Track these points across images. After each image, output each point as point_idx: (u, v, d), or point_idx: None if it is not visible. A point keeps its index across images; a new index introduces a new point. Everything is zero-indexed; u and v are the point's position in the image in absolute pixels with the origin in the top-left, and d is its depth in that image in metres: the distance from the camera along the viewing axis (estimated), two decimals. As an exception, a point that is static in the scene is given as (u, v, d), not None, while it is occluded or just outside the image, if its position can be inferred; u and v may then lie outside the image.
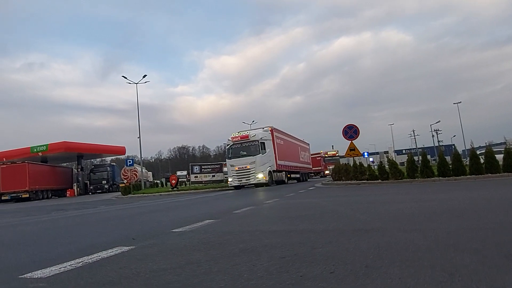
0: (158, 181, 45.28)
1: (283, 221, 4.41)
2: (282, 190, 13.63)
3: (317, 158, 45.82)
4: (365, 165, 15.40)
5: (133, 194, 24.53)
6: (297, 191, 11.81)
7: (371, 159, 73.01)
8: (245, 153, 20.69)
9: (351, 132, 16.39)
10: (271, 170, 20.84)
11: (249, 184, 20.45)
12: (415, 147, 79.18)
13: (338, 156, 48.50)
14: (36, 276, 2.19)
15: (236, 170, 20.48)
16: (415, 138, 78.34)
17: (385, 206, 5.44)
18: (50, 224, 6.54)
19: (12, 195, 32.06)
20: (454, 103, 58.04)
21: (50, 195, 36.65)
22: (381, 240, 2.61)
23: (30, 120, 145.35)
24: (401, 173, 12.99)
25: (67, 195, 38.87)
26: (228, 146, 21.73)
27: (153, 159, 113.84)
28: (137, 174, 39.19)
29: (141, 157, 38.03)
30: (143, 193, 23.79)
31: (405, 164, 13.27)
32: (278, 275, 1.83)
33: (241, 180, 20.35)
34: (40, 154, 37.71)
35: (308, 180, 31.02)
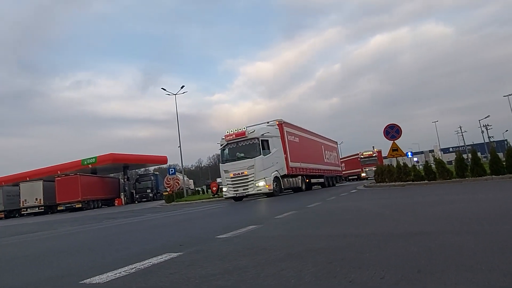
0: (199, 188, 46.26)
1: (327, 225, 4.35)
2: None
3: (355, 160, 44.34)
4: (410, 165, 14.81)
5: (176, 201, 25.27)
6: (338, 194, 11.59)
7: (415, 159, 70.02)
8: (242, 154, 16.44)
9: (392, 132, 15.84)
10: (279, 176, 16.80)
11: (249, 195, 16.27)
12: (463, 144, 74.84)
13: (375, 156, 42.81)
14: (95, 282, 2.33)
15: (231, 177, 16.24)
16: (462, 135, 74.01)
17: (433, 208, 5.19)
18: (103, 232, 6.91)
19: (67, 205, 34.29)
20: (504, 96, 54.20)
21: (100, 205, 38.73)
22: (432, 244, 2.50)
23: (80, 134, 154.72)
24: (449, 172, 12.34)
25: (116, 204, 40.84)
26: (222, 146, 17.31)
27: (193, 167, 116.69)
28: (179, 182, 40.34)
29: (182, 166, 39.14)
30: (186, 201, 24.43)
31: (453, 163, 12.61)
32: (326, 281, 1.81)
33: (238, 190, 16.12)
34: (90, 166, 40.03)
35: (337, 184, 27.52)
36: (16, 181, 42.75)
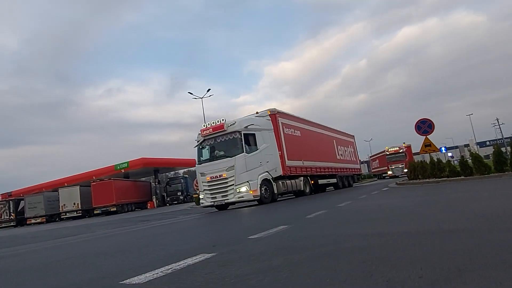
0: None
1: (359, 224, 4.29)
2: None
3: (384, 157, 42.94)
4: (444, 161, 14.30)
5: (207, 203, 25.66)
6: (369, 193, 11.37)
7: (450, 154, 67.42)
8: (221, 153, 13.34)
9: (424, 126, 15.34)
10: (270, 178, 13.56)
11: (228, 203, 13.11)
12: (501, 137, 71.28)
13: (402, 152, 38.86)
14: (134, 282, 2.42)
15: (208, 181, 13.03)
16: (500, 128, 70.56)
17: (470, 204, 5.00)
18: (139, 233, 7.13)
19: (103, 209, 35.65)
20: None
21: (133, 208, 39.96)
22: (471, 242, 2.42)
23: (111, 140, 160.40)
24: (487, 167, 11.83)
25: (148, 207, 41.98)
26: (198, 143, 14.09)
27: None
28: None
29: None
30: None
31: (491, 157, 12.05)
32: (362, 280, 1.80)
33: (215, 197, 12.91)
34: (122, 170, 41.42)
35: (354, 185, 24.52)
36: (55, 187, 44.93)
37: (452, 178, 12.33)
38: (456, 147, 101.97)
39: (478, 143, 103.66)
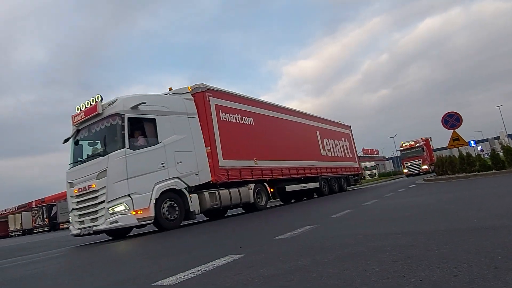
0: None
1: (386, 223, 4.20)
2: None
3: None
4: (473, 155, 13.79)
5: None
6: (395, 190, 11.12)
7: (479, 148, 64.87)
8: (98, 148, 8.98)
9: (452, 120, 14.85)
10: (183, 188, 9.00)
11: (98, 231, 8.16)
12: (534, 128, 67.97)
13: (419, 147, 34.28)
14: (166, 284, 2.47)
15: (76, 196, 8.50)
16: (533, 118, 67.32)
17: (504, 200, 4.80)
18: (166, 237, 7.24)
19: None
20: None
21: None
22: (507, 239, 2.32)
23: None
24: (520, 160, 11.34)
25: None
26: (71, 135, 9.49)
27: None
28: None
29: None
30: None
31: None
32: (394, 280, 1.76)
33: (83, 221, 8.31)
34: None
35: (348, 188, 19.66)
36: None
37: (483, 173, 11.89)
38: (486, 140, 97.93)
39: (509, 135, 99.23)
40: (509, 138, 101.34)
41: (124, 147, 8.09)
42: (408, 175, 34.59)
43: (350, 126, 22.43)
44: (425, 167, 32.72)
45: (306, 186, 14.83)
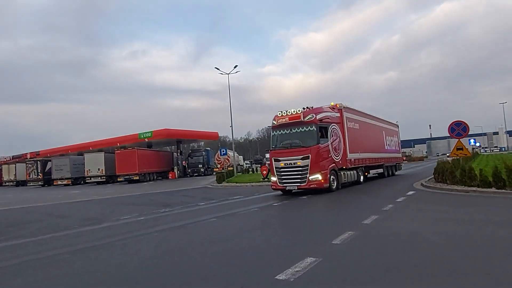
0: (250, 167, 47.27)
1: (385, 279, 4.05)
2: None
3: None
4: (470, 150, 13.69)
5: (227, 182, 25.98)
6: (395, 200, 11.03)
7: (477, 144, 65.10)
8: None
9: (458, 129, 14.76)
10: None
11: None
12: (534, 129, 67.99)
13: (311, 123, 26.35)
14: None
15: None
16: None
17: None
18: (267, 234, 7.21)
19: (126, 177, 36.75)
20: None
21: (155, 177, 40.99)
22: None
23: (135, 103, 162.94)
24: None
25: (169, 177, 42.98)
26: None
27: (242, 140, 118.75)
28: (229, 159, 41.39)
29: (233, 147, 39.73)
30: (236, 183, 24.96)
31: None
32: None
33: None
34: (146, 139, 42.25)
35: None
36: (80, 150, 46.50)
37: (482, 189, 11.84)
38: (484, 134, 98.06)
39: (508, 132, 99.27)
40: (508, 134, 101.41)
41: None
42: (279, 189, 14.96)
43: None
44: (315, 177, 13.86)
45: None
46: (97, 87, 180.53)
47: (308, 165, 13.72)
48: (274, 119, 14.99)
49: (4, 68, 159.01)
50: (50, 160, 43.30)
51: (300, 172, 13.86)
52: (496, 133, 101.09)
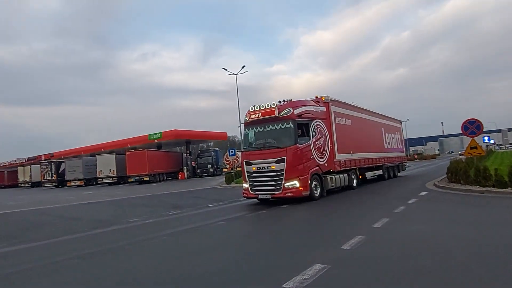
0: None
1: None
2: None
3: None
4: (483, 148, 13.39)
5: (236, 183, 25.95)
6: (406, 201, 10.81)
7: (491, 141, 63.85)
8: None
9: (472, 127, 14.41)
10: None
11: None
12: (551, 125, 66.32)
13: (287, 119, 18.83)
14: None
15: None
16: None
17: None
18: (274, 238, 7.19)
19: (136, 178, 37.07)
20: None
21: (165, 178, 41.25)
22: None
23: (145, 104, 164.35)
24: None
25: (179, 177, 43.21)
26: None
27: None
28: (238, 160, 41.40)
29: (242, 147, 39.58)
30: (245, 183, 24.82)
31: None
32: None
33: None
34: (155, 140, 42.55)
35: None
36: (92, 151, 47.09)
37: (498, 190, 11.56)
38: (499, 130, 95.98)
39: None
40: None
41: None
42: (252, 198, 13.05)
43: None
44: (292, 184, 11.78)
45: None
46: (108, 89, 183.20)
47: (283, 169, 11.48)
48: (246, 115, 12.71)
49: (19, 72, 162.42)
50: (63, 162, 43.98)
51: (274, 178, 11.60)
52: (510, 130, 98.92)
